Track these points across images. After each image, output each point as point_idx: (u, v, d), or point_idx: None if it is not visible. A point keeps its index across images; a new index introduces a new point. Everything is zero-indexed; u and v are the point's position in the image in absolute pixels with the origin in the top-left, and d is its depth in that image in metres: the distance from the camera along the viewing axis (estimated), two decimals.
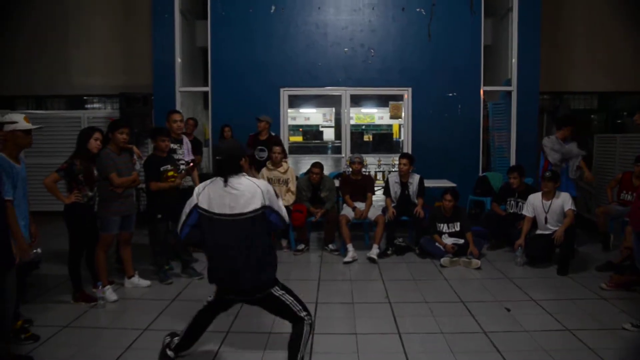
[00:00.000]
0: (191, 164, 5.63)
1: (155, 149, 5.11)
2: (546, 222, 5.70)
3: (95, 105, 9.27)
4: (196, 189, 3.01)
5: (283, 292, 3.03)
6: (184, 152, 5.62)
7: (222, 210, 2.88)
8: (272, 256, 3.04)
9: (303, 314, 2.99)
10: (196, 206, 2.94)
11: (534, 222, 5.84)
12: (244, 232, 2.88)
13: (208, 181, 2.99)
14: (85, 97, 9.23)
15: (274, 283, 3.03)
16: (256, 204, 2.87)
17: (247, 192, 2.88)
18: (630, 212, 4.03)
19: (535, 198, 5.83)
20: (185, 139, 5.77)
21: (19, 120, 3.63)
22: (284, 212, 3.01)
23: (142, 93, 7.92)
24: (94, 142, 4.40)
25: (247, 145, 7.31)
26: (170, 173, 5.09)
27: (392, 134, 20.73)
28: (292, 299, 3.02)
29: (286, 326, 3.10)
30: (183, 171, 5.41)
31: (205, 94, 8.36)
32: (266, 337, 3.73)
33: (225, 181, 2.89)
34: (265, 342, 3.65)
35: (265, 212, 2.92)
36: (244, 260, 2.88)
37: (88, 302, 4.42)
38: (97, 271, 4.61)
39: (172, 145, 5.31)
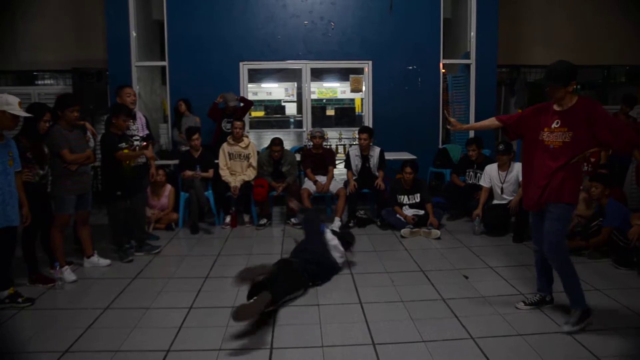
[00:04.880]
0: (145, 143, 5.50)
1: (113, 126, 4.97)
2: (502, 192, 5.86)
3: (47, 82, 8.89)
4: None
5: None
6: (138, 128, 5.49)
7: None
8: None
9: None
10: None
11: (490, 192, 6.00)
12: None
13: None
14: (35, 73, 8.84)
15: None
16: None
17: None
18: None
19: (492, 169, 5.97)
20: (139, 114, 5.63)
21: (14, 103, 3.70)
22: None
23: (96, 68, 7.62)
24: (43, 125, 4.25)
25: (210, 112, 7.20)
26: (125, 151, 4.98)
27: (354, 108, 20.77)
28: None
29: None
30: (137, 147, 5.28)
31: (163, 68, 8.14)
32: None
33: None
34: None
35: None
36: None
37: (45, 283, 4.32)
38: (53, 252, 4.50)
39: None
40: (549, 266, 3.60)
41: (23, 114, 3.81)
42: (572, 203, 3.39)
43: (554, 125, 3.34)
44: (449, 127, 4.04)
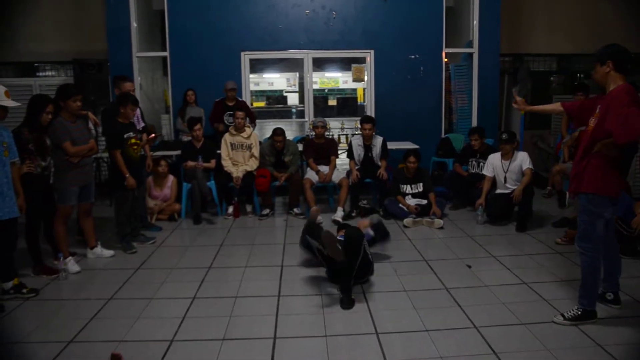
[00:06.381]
0: (153, 135, 5.50)
1: (120, 115, 4.96)
2: (505, 181, 5.84)
3: (48, 73, 8.86)
4: None
5: None
6: (132, 121, 5.48)
7: None
8: None
9: None
10: None
11: (493, 181, 5.98)
12: None
13: None
14: (36, 64, 8.81)
15: None
16: None
17: None
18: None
19: (495, 158, 5.95)
20: None
21: (0, 93, 3.63)
22: None
23: (96, 59, 7.61)
24: (46, 116, 4.24)
25: (213, 111, 7.19)
26: (133, 141, 4.99)
27: (356, 98, 20.71)
28: None
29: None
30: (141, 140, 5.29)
31: (164, 59, 8.11)
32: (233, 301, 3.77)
33: None
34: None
35: None
36: None
37: (49, 274, 4.33)
38: (57, 243, 4.50)
39: None
40: (606, 259, 3.43)
41: (10, 103, 3.72)
42: (590, 193, 3.21)
43: (597, 111, 3.22)
44: (514, 105, 3.96)
